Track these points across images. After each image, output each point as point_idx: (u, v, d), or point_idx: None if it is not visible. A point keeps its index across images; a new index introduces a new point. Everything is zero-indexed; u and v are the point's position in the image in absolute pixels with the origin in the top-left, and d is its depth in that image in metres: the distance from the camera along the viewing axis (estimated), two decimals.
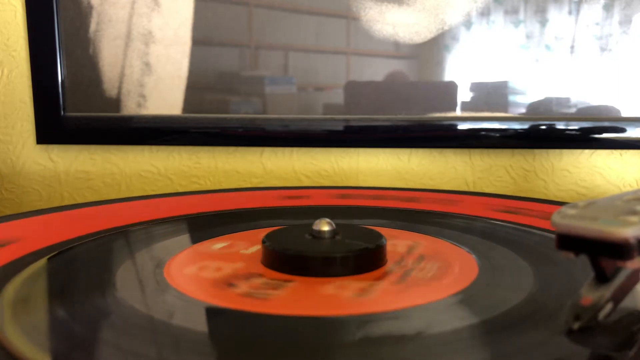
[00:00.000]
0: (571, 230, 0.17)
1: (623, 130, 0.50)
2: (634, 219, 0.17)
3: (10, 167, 0.55)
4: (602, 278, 0.18)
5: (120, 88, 0.52)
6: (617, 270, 0.18)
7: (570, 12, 0.50)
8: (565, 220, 0.17)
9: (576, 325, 0.18)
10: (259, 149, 0.54)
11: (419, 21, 0.51)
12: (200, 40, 0.52)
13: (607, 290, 0.18)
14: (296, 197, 0.43)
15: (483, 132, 0.51)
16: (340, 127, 0.52)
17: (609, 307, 0.18)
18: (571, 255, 0.17)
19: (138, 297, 0.22)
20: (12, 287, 0.23)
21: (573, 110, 0.50)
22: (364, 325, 0.20)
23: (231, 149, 0.54)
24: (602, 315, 0.18)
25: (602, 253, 0.17)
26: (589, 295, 0.18)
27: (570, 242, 0.17)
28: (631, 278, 0.18)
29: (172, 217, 0.36)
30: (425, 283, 0.23)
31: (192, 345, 0.18)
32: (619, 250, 0.16)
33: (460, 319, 0.20)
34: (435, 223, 0.34)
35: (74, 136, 0.53)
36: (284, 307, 0.21)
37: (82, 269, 0.26)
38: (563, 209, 0.18)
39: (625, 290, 0.18)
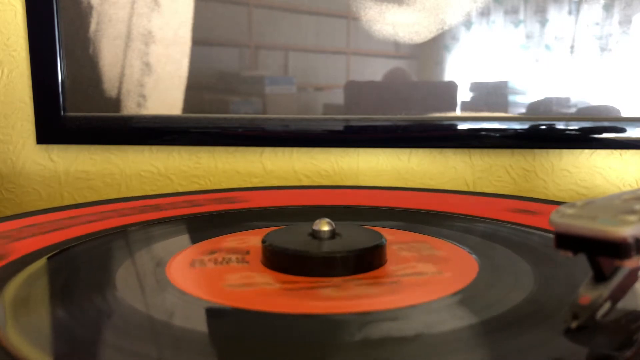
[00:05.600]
0: (569, 230, 0.17)
1: (623, 130, 0.50)
2: (632, 218, 0.17)
3: (10, 167, 0.55)
4: (600, 277, 0.18)
5: (120, 88, 0.52)
6: (616, 269, 0.18)
7: (570, 12, 0.50)
8: (564, 219, 0.17)
9: (574, 324, 0.18)
10: (259, 149, 0.54)
11: (419, 21, 0.51)
12: (200, 40, 0.52)
13: (606, 289, 0.18)
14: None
15: (483, 132, 0.51)
16: (340, 127, 0.52)
17: (607, 306, 0.18)
18: (569, 254, 0.17)
19: (138, 297, 0.22)
20: (13, 287, 0.23)
21: (573, 110, 0.50)
22: (363, 325, 0.20)
23: (231, 149, 0.54)
24: (600, 314, 0.18)
25: (600, 252, 0.17)
26: (587, 294, 0.18)
27: (569, 241, 0.17)
28: (629, 277, 0.18)
29: (172, 217, 0.36)
30: (424, 283, 0.23)
31: (192, 345, 0.18)
32: (617, 249, 0.16)
33: (459, 319, 0.20)
34: (435, 223, 0.34)
35: (74, 136, 0.53)
36: (283, 307, 0.21)
37: (82, 268, 0.26)
38: (561, 208, 0.18)
39: (623, 289, 0.18)
